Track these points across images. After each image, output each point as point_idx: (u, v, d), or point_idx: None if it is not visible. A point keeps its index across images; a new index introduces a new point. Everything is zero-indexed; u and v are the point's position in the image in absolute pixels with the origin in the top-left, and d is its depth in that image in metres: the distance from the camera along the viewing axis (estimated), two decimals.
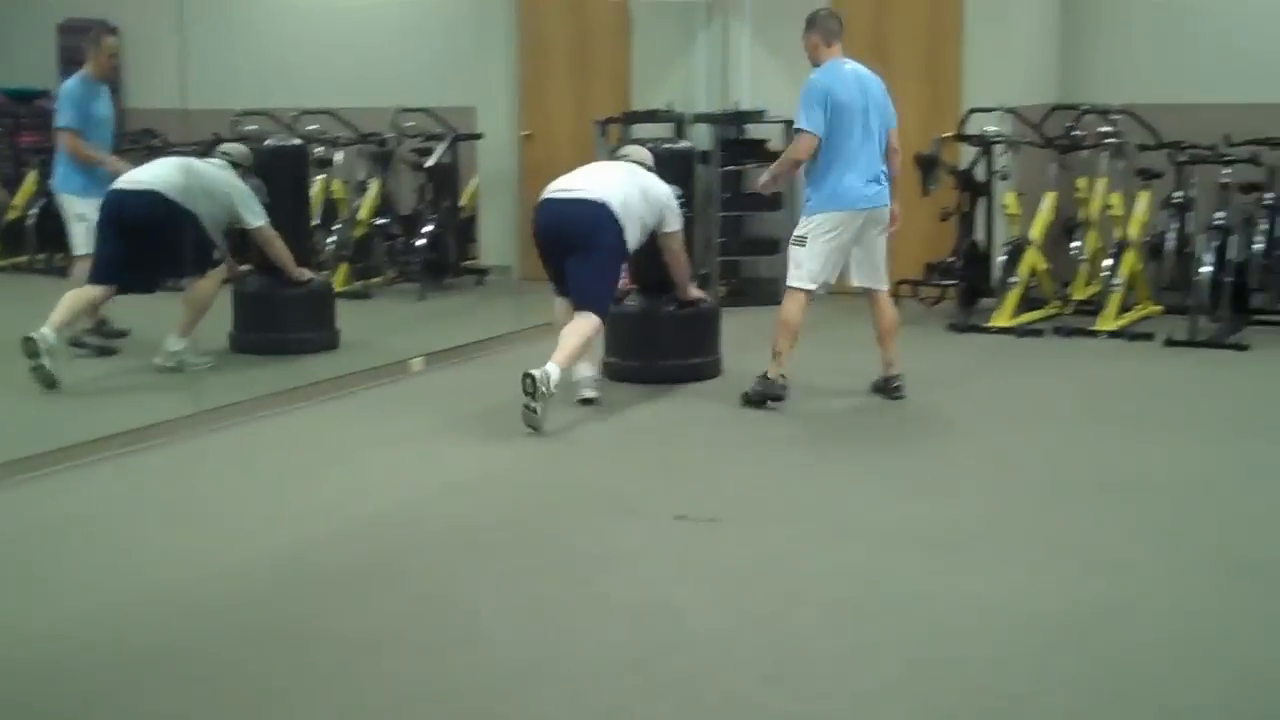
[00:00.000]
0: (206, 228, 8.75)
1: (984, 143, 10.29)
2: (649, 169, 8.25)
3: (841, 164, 7.84)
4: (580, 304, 7.84)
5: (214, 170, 8.86)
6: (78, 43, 13.03)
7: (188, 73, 8.45)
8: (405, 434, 7.69)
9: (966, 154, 10.52)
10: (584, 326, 7.73)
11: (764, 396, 7.91)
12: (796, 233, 7.99)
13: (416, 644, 4.90)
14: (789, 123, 10.88)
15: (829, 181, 7.84)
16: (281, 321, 9.42)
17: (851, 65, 7.99)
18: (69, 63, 13.07)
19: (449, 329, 10.13)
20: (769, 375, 7.94)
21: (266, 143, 9.73)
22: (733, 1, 11.56)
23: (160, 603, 5.28)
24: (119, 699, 4.52)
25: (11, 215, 12.52)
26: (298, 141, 10.09)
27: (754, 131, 11.33)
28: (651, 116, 11.19)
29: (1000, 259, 10.14)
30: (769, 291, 11.03)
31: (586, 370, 8.08)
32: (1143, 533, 5.94)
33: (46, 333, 8.09)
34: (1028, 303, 10.12)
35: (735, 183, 11.28)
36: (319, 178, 11.72)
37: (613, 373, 8.57)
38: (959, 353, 9.41)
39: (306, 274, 9.43)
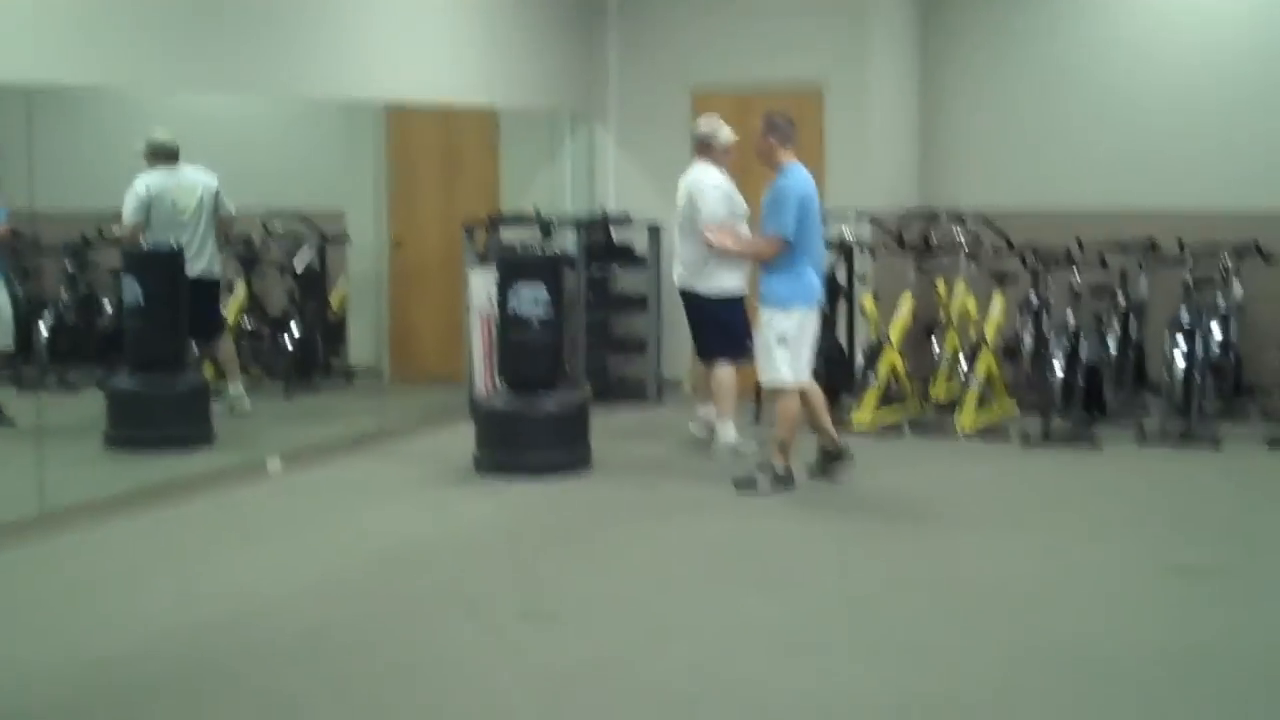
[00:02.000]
0: None
1: (843, 247, 10.46)
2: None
3: (806, 260, 8.33)
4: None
5: None
6: None
7: (41, 175, 8.39)
8: (257, 535, 7.64)
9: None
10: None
11: (779, 487, 8.36)
12: (775, 331, 8.27)
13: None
14: (653, 227, 11.13)
15: (801, 278, 8.30)
16: (156, 419, 9.47)
17: (803, 168, 8.43)
18: None
19: (315, 428, 10.11)
20: (776, 467, 8.37)
21: (138, 247, 9.87)
22: (598, 110, 11.72)
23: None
24: None
25: None
26: (174, 245, 10.07)
27: (619, 235, 11.45)
28: (519, 220, 11.28)
29: (860, 359, 10.29)
30: (635, 389, 11.14)
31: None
32: (974, 630, 6.01)
33: None
34: (889, 401, 10.26)
35: (603, 285, 11.39)
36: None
37: (481, 466, 8.81)
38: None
39: None
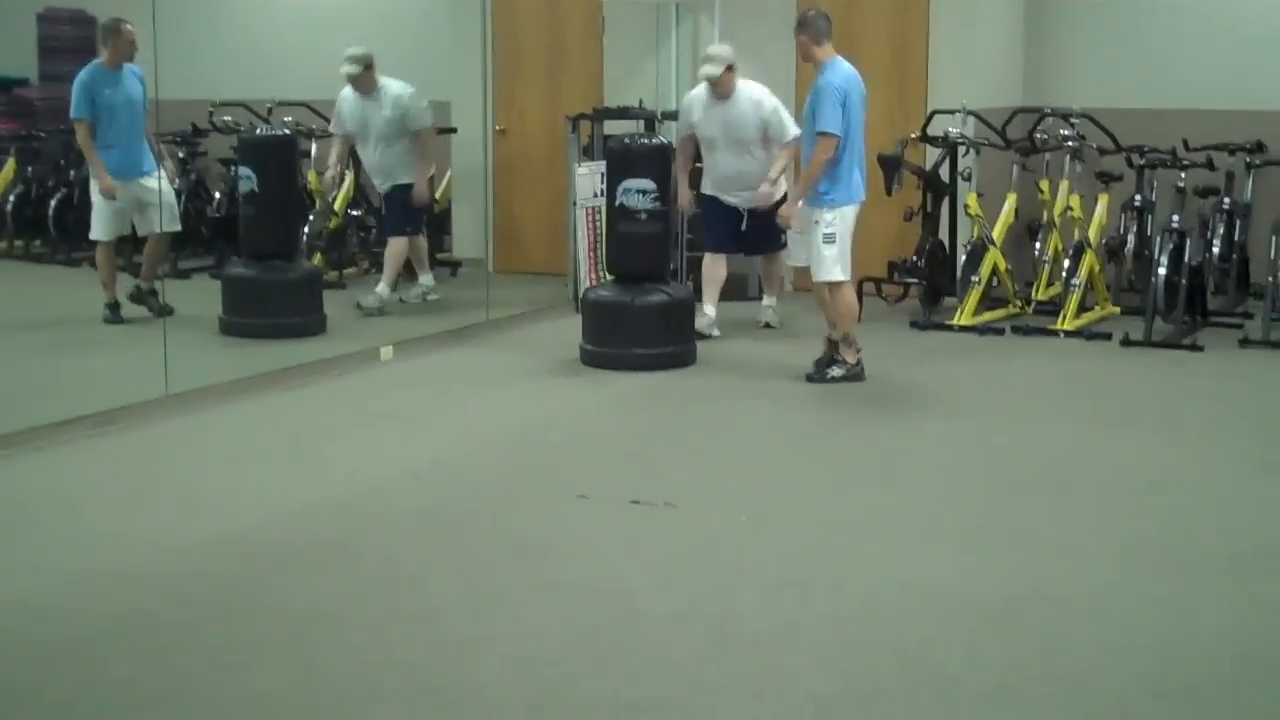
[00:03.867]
0: None
1: (947, 144, 10.45)
2: None
3: (850, 159, 8.35)
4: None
5: None
6: (57, 31, 13.20)
7: (161, 63, 8.54)
8: (371, 420, 7.84)
9: (931, 155, 10.69)
10: None
11: (849, 378, 8.49)
12: (824, 230, 8.34)
13: (369, 619, 5.05)
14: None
15: (847, 177, 8.33)
16: (270, 306, 9.70)
17: (846, 63, 8.42)
18: (48, 51, 13.21)
19: (421, 319, 10.27)
20: (848, 360, 8.54)
21: (258, 132, 10.06)
22: (703, 1, 11.70)
23: (123, 578, 5.43)
24: (80, 667, 4.66)
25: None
26: (286, 131, 10.35)
27: None
28: (623, 113, 11.33)
29: (962, 259, 10.31)
30: (737, 286, 11.20)
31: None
32: (1082, 523, 6.10)
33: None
34: (989, 302, 10.30)
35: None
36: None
37: (587, 358, 8.92)
38: (920, 350, 9.57)
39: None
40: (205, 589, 5.34)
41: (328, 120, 11.63)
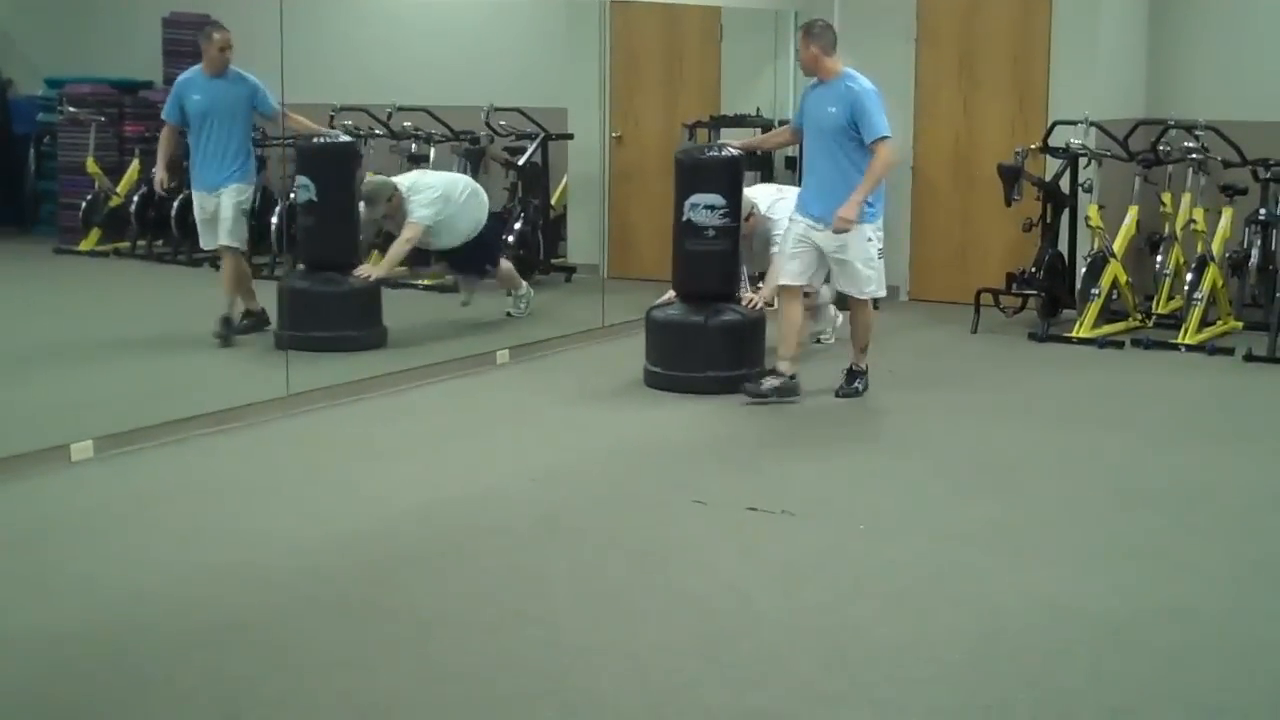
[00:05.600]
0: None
1: (1068, 155, 10.35)
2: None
3: None
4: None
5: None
6: (181, 35, 13.41)
7: (287, 68, 8.64)
8: (488, 424, 7.89)
9: (1051, 165, 10.59)
10: None
11: (860, 390, 8.39)
12: (870, 239, 8.05)
13: (488, 620, 5.08)
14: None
15: (879, 188, 8.09)
16: (328, 318, 9.37)
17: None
18: (173, 55, 13.43)
19: (535, 324, 10.32)
20: (864, 369, 8.46)
21: (315, 140, 9.67)
22: (822, 10, 11.64)
23: (243, 575, 5.50)
24: (201, 662, 4.73)
25: (114, 202, 12.84)
26: (347, 139, 10.11)
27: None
28: (740, 121, 11.34)
29: (1082, 270, 10.20)
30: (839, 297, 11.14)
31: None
32: (1205, 540, 6.01)
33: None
34: (1109, 315, 10.17)
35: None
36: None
37: (653, 380, 8.60)
38: (1038, 362, 9.48)
39: (365, 271, 9.59)
40: (326, 588, 5.39)
41: (447, 125, 11.75)
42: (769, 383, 8.17)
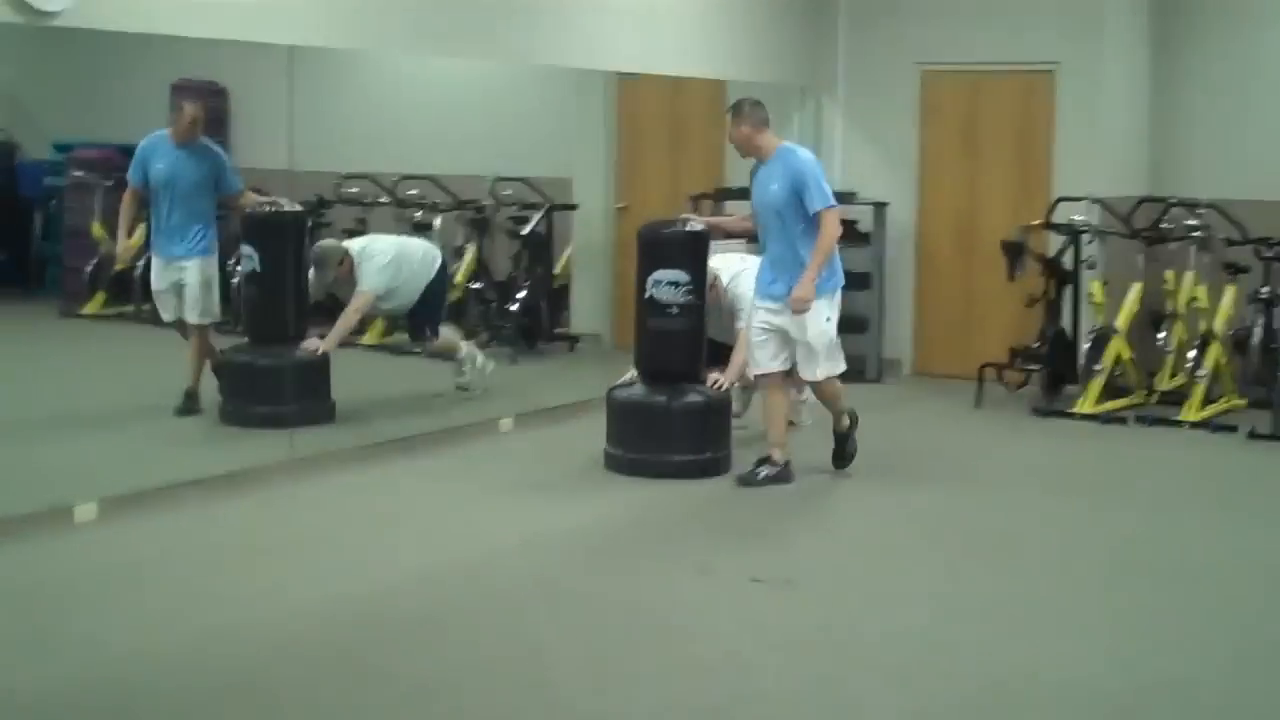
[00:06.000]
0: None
1: (1071, 231, 10.38)
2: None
3: None
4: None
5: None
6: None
7: (295, 135, 8.69)
8: (489, 490, 7.86)
9: (1054, 241, 10.62)
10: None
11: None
12: (828, 316, 7.76)
13: (488, 688, 5.07)
14: (879, 204, 11.15)
15: (835, 259, 7.87)
16: (271, 393, 8.96)
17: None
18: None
19: (540, 392, 10.31)
20: (848, 430, 8.20)
21: (261, 207, 9.31)
22: (826, 85, 11.74)
23: (244, 636, 5.48)
24: None
25: (120, 267, 12.84)
26: (298, 208, 9.59)
27: (844, 213, 11.42)
28: (744, 194, 11.32)
29: (1085, 346, 10.21)
30: (856, 368, 11.14)
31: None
32: (1207, 615, 6.00)
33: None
34: (1112, 391, 10.17)
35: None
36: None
37: (613, 464, 8.18)
38: (1041, 437, 9.48)
39: (313, 345, 9.17)
40: (326, 651, 5.38)
41: (452, 194, 11.80)
42: (764, 471, 7.90)
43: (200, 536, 6.88)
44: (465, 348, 10.05)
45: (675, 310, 8.11)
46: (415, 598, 6.00)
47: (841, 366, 8.02)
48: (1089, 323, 10.34)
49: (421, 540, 6.85)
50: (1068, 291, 10.51)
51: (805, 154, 7.81)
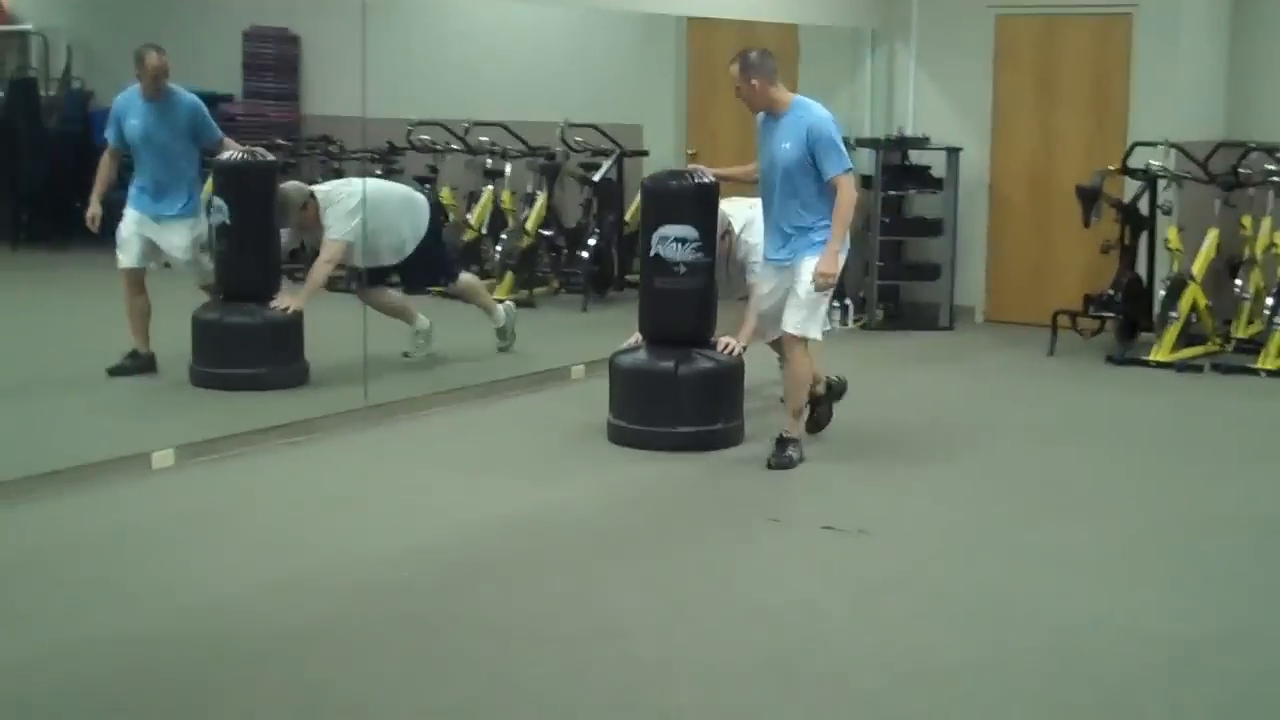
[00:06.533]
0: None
1: (1148, 177, 10.26)
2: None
3: None
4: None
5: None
6: (261, 49, 13.56)
7: (368, 82, 8.66)
8: (560, 438, 7.88)
9: (1130, 187, 10.50)
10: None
11: (794, 461, 7.24)
12: (829, 279, 7.06)
13: (560, 634, 5.09)
14: (952, 149, 11.06)
15: None
16: (240, 355, 8.51)
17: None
18: (252, 68, 13.57)
19: (610, 339, 10.31)
20: (796, 438, 7.34)
21: (228, 156, 8.71)
22: (899, 29, 11.64)
23: (318, 585, 5.53)
24: (277, 672, 4.78)
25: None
26: (270, 158, 9.17)
27: (916, 158, 11.39)
28: None
29: (1161, 293, 10.11)
30: (928, 316, 11.14)
31: None
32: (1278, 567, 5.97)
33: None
34: (1187, 338, 10.07)
35: (897, 208, 11.35)
36: (488, 188, 12.03)
37: (617, 436, 7.63)
38: (1115, 385, 9.40)
39: (284, 301, 8.63)
40: (399, 599, 5.42)
41: (524, 141, 11.80)
42: (791, 454, 7.23)
43: (275, 484, 6.95)
44: (421, 320, 9.31)
45: (682, 269, 7.48)
46: (486, 545, 6.04)
47: (818, 333, 7.31)
48: (1165, 269, 10.23)
49: (491, 488, 6.87)
50: (1143, 237, 10.41)
51: (823, 111, 7.16)
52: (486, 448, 7.68)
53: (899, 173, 11.28)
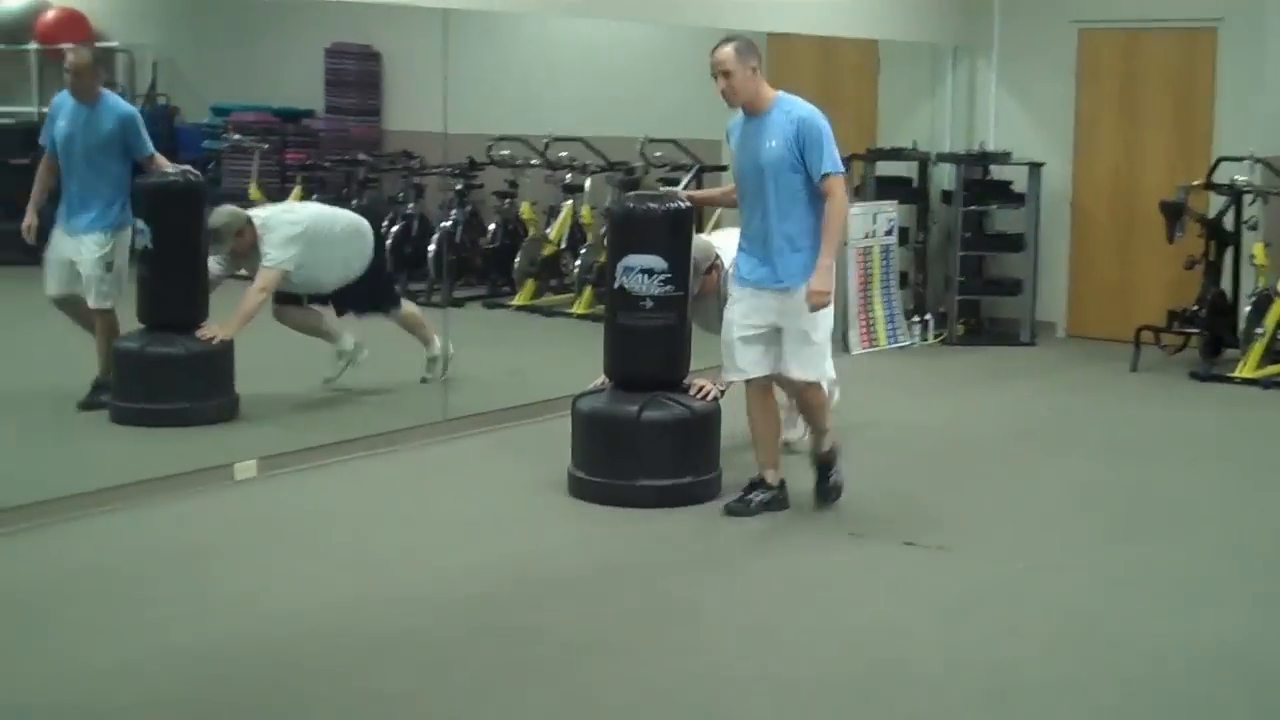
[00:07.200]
0: None
1: (1233, 191, 10.15)
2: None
3: None
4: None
5: None
6: (343, 65, 13.67)
7: (450, 98, 8.69)
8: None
9: (1214, 202, 10.39)
10: None
11: (838, 487, 6.73)
12: (827, 319, 6.41)
13: (641, 648, 5.09)
14: (1034, 164, 10.97)
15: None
16: (162, 388, 7.85)
17: None
18: (334, 84, 13.69)
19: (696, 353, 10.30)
20: (832, 459, 6.71)
21: (151, 180, 8.04)
22: (981, 44, 11.58)
23: (398, 598, 5.55)
24: (355, 681, 4.79)
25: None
26: (195, 176, 8.36)
27: (997, 173, 11.32)
28: (896, 154, 11.29)
29: (1246, 309, 9.99)
30: (1009, 331, 11.06)
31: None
32: None
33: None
34: (1273, 355, 9.94)
35: (978, 223, 11.28)
36: (567, 203, 12.07)
37: (577, 489, 6.86)
38: (1199, 401, 9.30)
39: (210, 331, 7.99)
40: (479, 612, 5.43)
41: (603, 156, 11.83)
42: (757, 496, 6.60)
43: (354, 496, 6.98)
44: (346, 341, 8.74)
45: (649, 303, 6.66)
46: (566, 559, 6.06)
47: (831, 372, 6.83)
48: (1250, 285, 10.12)
49: (572, 502, 6.86)
50: (1228, 253, 10.30)
51: (811, 107, 6.36)
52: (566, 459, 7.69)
53: (980, 188, 11.22)
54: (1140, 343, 10.09)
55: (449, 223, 12.04)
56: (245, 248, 8.19)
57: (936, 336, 11.06)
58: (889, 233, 10.95)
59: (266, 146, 13.42)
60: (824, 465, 6.73)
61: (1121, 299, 11.02)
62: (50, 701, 4.61)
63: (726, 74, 6.31)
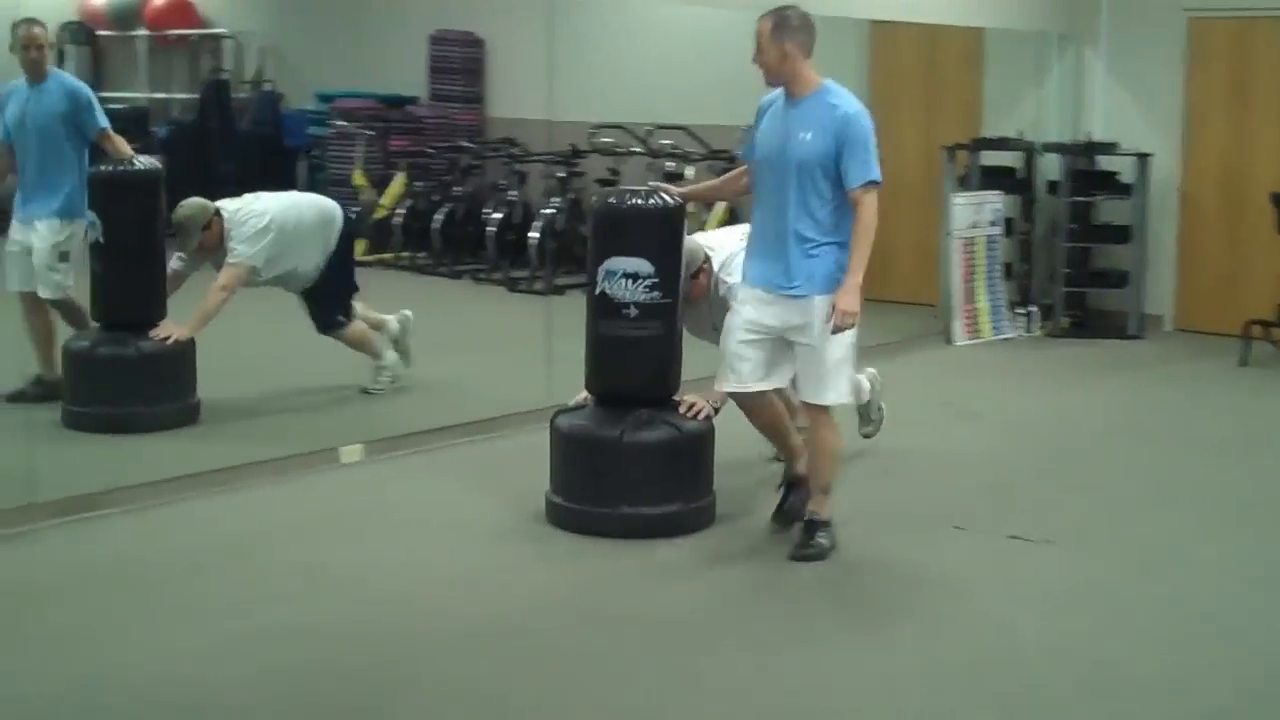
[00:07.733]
0: None
1: None
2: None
3: None
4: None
5: None
6: (447, 52, 13.77)
7: (555, 86, 8.71)
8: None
9: None
10: None
11: (825, 548, 5.84)
12: (850, 333, 5.65)
13: (741, 633, 5.11)
14: (1141, 155, 10.83)
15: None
16: (115, 391, 7.43)
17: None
18: (438, 71, 13.79)
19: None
20: (826, 520, 5.91)
21: (104, 168, 7.62)
22: (1087, 32, 11.45)
23: (498, 581, 5.59)
24: (461, 664, 4.83)
25: (380, 214, 13.18)
26: (156, 165, 7.89)
27: (1104, 163, 11.19)
28: (1001, 144, 11.19)
29: None
30: (1115, 324, 10.93)
31: None
32: None
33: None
34: None
35: (1084, 214, 11.15)
36: None
37: (555, 517, 6.21)
38: None
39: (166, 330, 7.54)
40: (581, 597, 5.47)
41: (705, 144, 11.82)
42: (822, 540, 5.84)
43: (462, 480, 7.02)
44: (386, 356, 8.45)
45: (634, 311, 6.03)
46: (667, 544, 6.05)
47: (849, 397, 6.11)
48: None
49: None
50: None
51: (857, 103, 5.73)
52: None
53: (1086, 178, 11.09)
54: (1249, 337, 9.94)
55: (551, 210, 12.09)
56: (212, 242, 7.78)
57: (1041, 329, 10.96)
58: (994, 223, 10.86)
59: (371, 133, 13.56)
60: (813, 526, 5.90)
61: (1230, 292, 10.86)
62: None
63: (760, 48, 5.76)
